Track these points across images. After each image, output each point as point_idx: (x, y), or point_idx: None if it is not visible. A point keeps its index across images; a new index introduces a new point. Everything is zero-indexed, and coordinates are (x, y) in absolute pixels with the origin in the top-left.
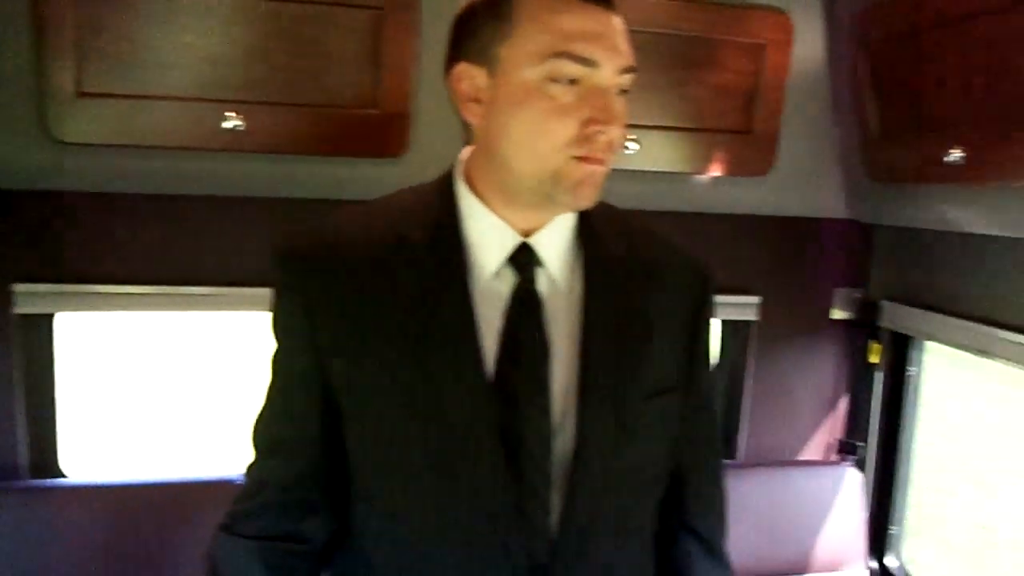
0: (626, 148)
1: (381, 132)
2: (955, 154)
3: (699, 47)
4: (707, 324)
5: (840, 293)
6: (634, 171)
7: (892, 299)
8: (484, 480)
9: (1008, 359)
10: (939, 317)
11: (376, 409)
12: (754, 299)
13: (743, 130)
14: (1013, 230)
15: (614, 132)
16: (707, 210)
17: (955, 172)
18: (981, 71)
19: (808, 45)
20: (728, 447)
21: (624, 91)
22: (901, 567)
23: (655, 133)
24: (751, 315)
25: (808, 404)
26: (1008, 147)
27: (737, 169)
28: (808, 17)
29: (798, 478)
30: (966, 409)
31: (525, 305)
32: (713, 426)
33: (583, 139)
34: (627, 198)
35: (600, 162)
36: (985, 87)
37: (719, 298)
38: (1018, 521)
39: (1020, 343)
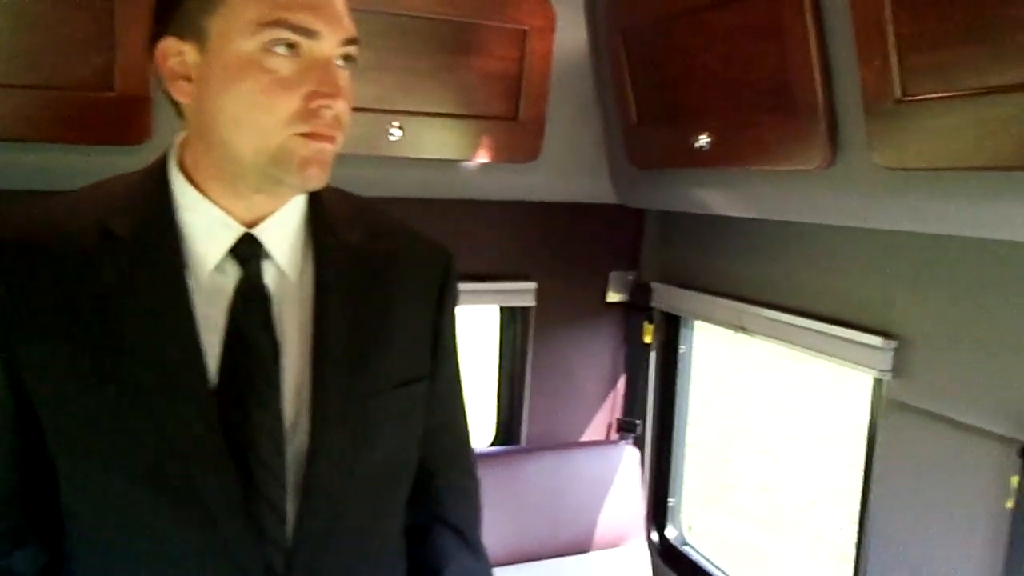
0: (390, 135)
1: (118, 117)
2: (702, 139)
3: (463, 33)
4: (451, 310)
5: (615, 276)
6: (400, 158)
7: (662, 281)
8: (211, 493)
9: (760, 334)
10: (702, 296)
11: (79, 424)
12: (531, 285)
13: (509, 116)
14: (756, 211)
15: (339, 106)
16: (477, 197)
17: (703, 157)
18: (722, 59)
19: (571, 32)
20: (510, 433)
21: (349, 63)
22: (680, 536)
23: (420, 119)
24: (528, 301)
25: (588, 386)
26: (748, 132)
27: (505, 155)
28: (570, 4)
29: (579, 459)
30: (755, 381)
31: (250, 301)
32: (462, 415)
33: (307, 114)
34: (394, 185)
35: (327, 139)
36: (726, 75)
37: (496, 285)
38: (796, 483)
39: (770, 318)
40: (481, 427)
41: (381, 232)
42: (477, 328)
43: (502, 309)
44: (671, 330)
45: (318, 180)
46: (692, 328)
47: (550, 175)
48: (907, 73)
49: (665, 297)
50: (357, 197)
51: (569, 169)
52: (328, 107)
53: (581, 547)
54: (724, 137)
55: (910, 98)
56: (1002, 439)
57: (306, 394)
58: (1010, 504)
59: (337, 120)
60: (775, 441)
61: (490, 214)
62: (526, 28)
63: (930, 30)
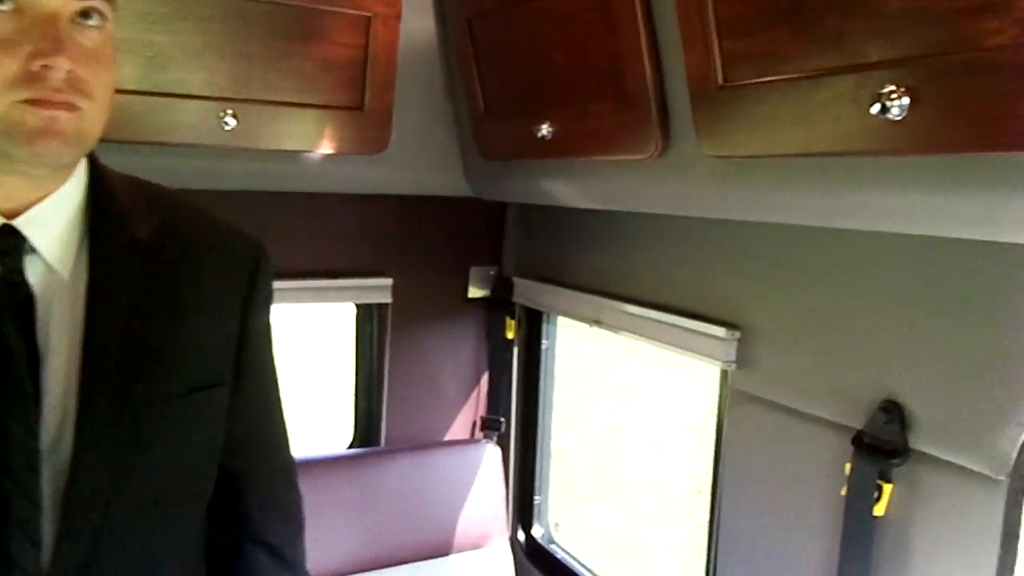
0: (224, 124)
1: None
2: (544, 129)
3: (303, 18)
4: (262, 309)
5: (476, 272)
6: (235, 149)
7: (523, 276)
8: None
9: (615, 327)
10: (560, 290)
11: None
12: (386, 281)
13: (355, 106)
14: (598, 202)
15: (63, 65)
16: (323, 190)
17: (546, 147)
18: (560, 46)
19: (417, 19)
20: (369, 434)
21: (95, 22)
22: (546, 534)
23: (257, 108)
24: (384, 297)
25: (450, 384)
26: (585, 121)
27: (351, 147)
28: None
29: (439, 459)
30: (643, 374)
31: (9, 301)
32: (277, 423)
33: (29, 77)
34: (228, 178)
35: (61, 106)
36: (564, 62)
37: (350, 281)
38: (682, 474)
39: (623, 311)
40: (340, 429)
41: (179, 225)
42: (332, 327)
43: (358, 306)
44: (533, 326)
45: (56, 155)
46: (555, 324)
47: (400, 167)
48: (728, 59)
49: (526, 292)
50: (154, 186)
51: (420, 161)
52: (50, 67)
53: (442, 550)
54: (564, 127)
55: (732, 84)
56: (837, 427)
57: (73, 404)
58: (844, 492)
59: (72, 84)
60: (663, 433)
61: (341, 208)
62: (370, 15)
63: (749, 15)
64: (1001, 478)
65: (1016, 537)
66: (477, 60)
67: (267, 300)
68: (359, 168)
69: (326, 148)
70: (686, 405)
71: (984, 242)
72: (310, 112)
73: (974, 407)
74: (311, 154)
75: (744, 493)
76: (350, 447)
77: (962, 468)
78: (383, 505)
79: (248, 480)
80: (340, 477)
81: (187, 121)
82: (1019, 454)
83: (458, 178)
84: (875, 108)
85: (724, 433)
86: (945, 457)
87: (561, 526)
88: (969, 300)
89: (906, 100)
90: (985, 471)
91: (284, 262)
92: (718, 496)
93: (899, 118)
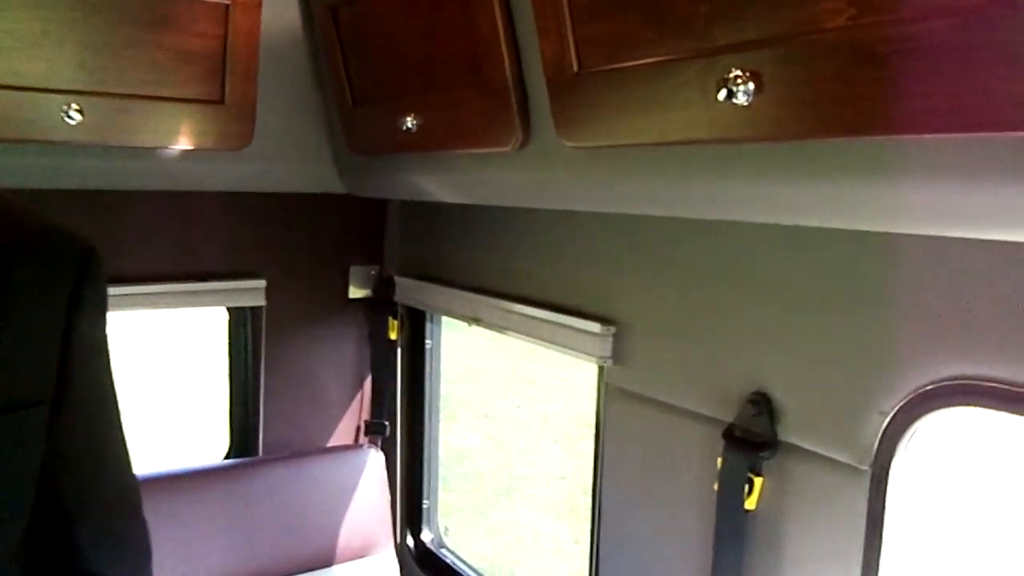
0: (67, 119)
1: None
2: (409, 121)
3: (154, 5)
4: (91, 317)
5: (356, 271)
6: (82, 145)
7: (405, 274)
8: None
9: (494, 325)
10: (440, 289)
11: None
12: (259, 283)
13: (215, 99)
14: (464, 196)
15: None
16: (183, 188)
17: (412, 140)
18: (421, 35)
19: (280, 7)
20: (246, 444)
21: None
22: (436, 539)
23: (105, 101)
24: (258, 300)
25: (332, 388)
26: (448, 112)
27: (212, 142)
28: None
29: (320, 467)
30: (550, 371)
31: None
32: (116, 443)
33: None
34: (74, 176)
35: None
36: (425, 51)
37: (219, 284)
38: (587, 469)
39: (501, 309)
40: (215, 438)
41: None
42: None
43: (230, 310)
44: (417, 326)
45: None
46: (439, 323)
47: (267, 163)
48: (582, 44)
49: (408, 291)
50: None
51: (289, 157)
52: None
53: (324, 560)
54: (427, 119)
55: (587, 71)
56: (710, 420)
57: None
58: (716, 486)
59: None
60: (570, 428)
61: (208, 207)
62: (228, 2)
63: None
64: (864, 467)
65: (881, 525)
66: (343, 50)
67: (98, 308)
68: (222, 165)
69: (185, 144)
70: (591, 399)
71: (846, 231)
72: (165, 106)
73: (838, 397)
74: (169, 150)
75: (624, 489)
76: (226, 457)
77: (828, 459)
78: (261, 517)
79: (78, 507)
80: (215, 489)
81: (25, 116)
82: (880, 443)
83: (331, 174)
84: (722, 94)
85: (602, 429)
86: (812, 448)
87: (468, 524)
88: (833, 290)
89: (751, 85)
90: (849, 461)
91: (145, 265)
92: (599, 492)
93: (745, 104)
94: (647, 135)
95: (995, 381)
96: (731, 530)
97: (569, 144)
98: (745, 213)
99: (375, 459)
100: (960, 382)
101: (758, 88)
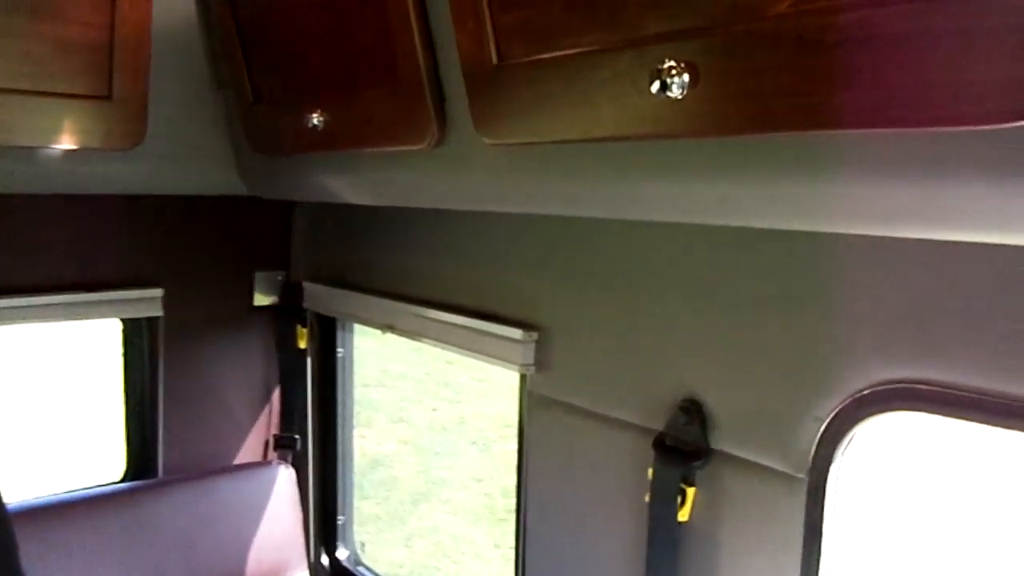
0: None
1: None
2: (315, 118)
3: None
4: None
5: (262, 277)
6: None
7: (314, 280)
8: None
9: (409, 333)
10: (351, 295)
11: None
12: (156, 292)
13: (102, 95)
14: (376, 198)
15: None
16: (70, 191)
17: (320, 138)
18: (327, 27)
19: None
20: (145, 464)
21: None
22: (352, 556)
23: None
24: (154, 310)
25: (238, 402)
26: (358, 109)
27: (100, 141)
28: None
29: (226, 486)
30: (467, 372)
31: None
32: None
33: None
34: None
35: None
36: (333, 44)
37: (112, 294)
38: (505, 471)
39: (417, 315)
40: (110, 460)
41: None
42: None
43: (124, 322)
44: (327, 333)
45: None
46: (351, 331)
47: (162, 164)
48: (502, 35)
49: (317, 298)
50: None
51: (186, 157)
52: None
53: None
54: (336, 115)
55: (507, 63)
56: (639, 429)
57: None
58: (648, 498)
59: None
60: (487, 430)
61: (97, 211)
62: None
63: None
64: (801, 476)
65: (819, 534)
66: (243, 42)
67: None
68: (114, 166)
69: (69, 143)
70: (509, 400)
71: (780, 231)
72: (45, 101)
73: (772, 403)
74: (50, 150)
75: (550, 501)
76: (122, 480)
77: (763, 467)
78: (163, 544)
79: None
80: (111, 516)
81: None
82: (817, 450)
83: (232, 175)
84: (655, 87)
85: (526, 439)
86: (746, 456)
87: (385, 532)
88: (766, 293)
89: (686, 77)
90: (785, 469)
91: (31, 275)
92: (523, 504)
93: (680, 97)
94: (573, 131)
95: (934, 384)
96: (664, 542)
97: (488, 141)
98: (677, 214)
99: (285, 475)
100: (898, 386)
101: (694, 80)
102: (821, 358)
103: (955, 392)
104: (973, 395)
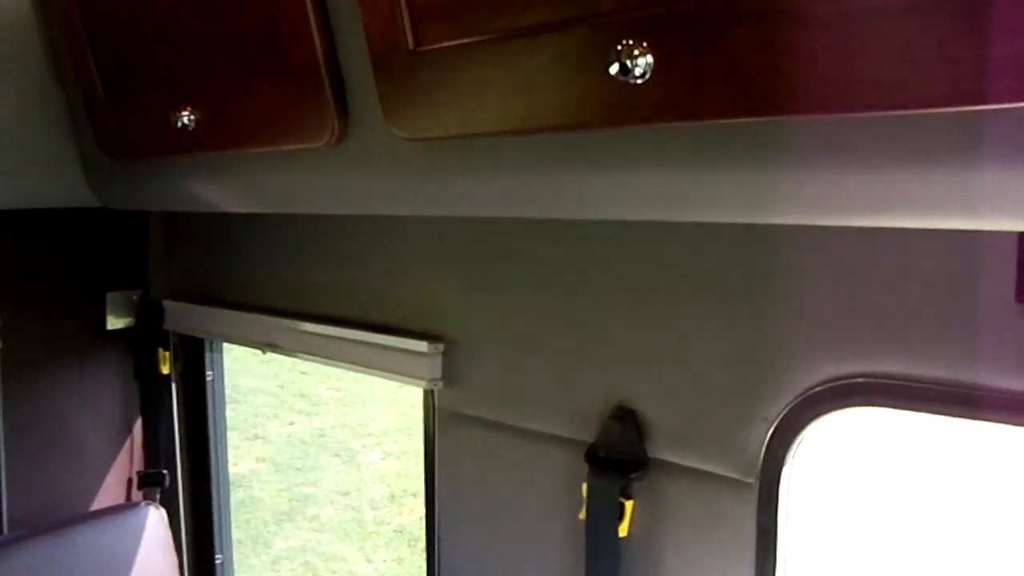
0: None
1: None
2: (186, 116)
3: None
4: None
5: (115, 298)
6: None
7: (176, 298)
8: None
9: (295, 351)
10: (222, 312)
11: None
12: None
13: None
14: (263, 205)
15: None
16: None
17: (190, 139)
18: (201, 11)
19: None
20: None
21: None
22: None
23: None
24: None
25: (94, 439)
26: (241, 104)
27: None
28: None
29: (86, 537)
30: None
31: None
32: None
33: None
34: None
35: None
36: (208, 31)
37: None
38: (372, 481)
39: (305, 332)
40: None
41: None
42: None
43: None
44: (193, 356)
45: None
46: (221, 351)
47: None
48: (419, 16)
49: (180, 317)
50: None
51: (24, 165)
52: None
53: None
54: (212, 113)
55: (426, 49)
56: (568, 442)
57: None
58: (583, 515)
59: None
60: (349, 441)
61: None
62: None
63: None
64: (751, 480)
65: (773, 539)
66: (89, 32)
67: None
68: None
69: None
70: (368, 407)
71: (718, 226)
72: None
73: (714, 406)
74: None
75: (469, 525)
76: None
77: (709, 473)
78: None
79: None
80: None
81: None
82: (766, 453)
83: (78, 185)
84: (614, 68)
85: (437, 459)
86: (689, 464)
87: (250, 558)
88: (704, 289)
89: (650, 58)
90: (733, 474)
91: None
92: (435, 531)
93: (641, 80)
94: (506, 122)
95: (887, 378)
96: (604, 561)
97: (403, 136)
98: (623, 210)
99: (155, 517)
100: (851, 381)
101: (658, 62)
102: (767, 356)
103: (908, 384)
104: (926, 386)
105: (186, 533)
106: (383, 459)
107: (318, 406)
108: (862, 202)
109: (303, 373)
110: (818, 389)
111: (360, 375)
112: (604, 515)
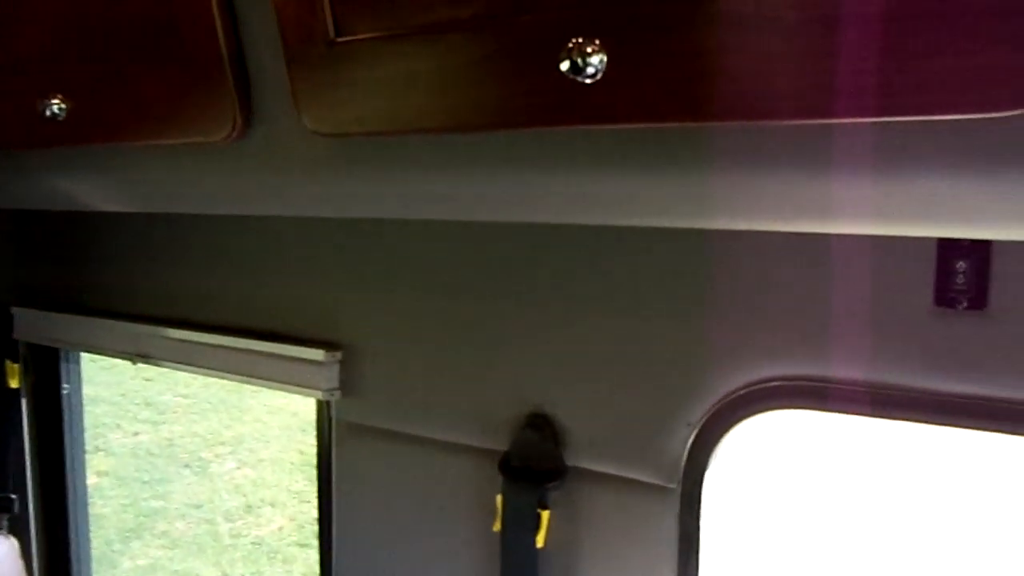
0: None
1: None
2: (55, 104)
3: None
4: None
5: None
6: None
7: (26, 304)
8: None
9: (169, 362)
10: (84, 320)
11: None
12: None
13: None
14: (147, 205)
15: None
16: None
17: (59, 130)
18: None
19: None
20: None
21: None
22: None
23: None
24: None
25: None
26: (122, 92)
27: None
28: None
29: None
30: (174, 390)
31: None
32: None
33: None
34: None
35: None
36: (83, 10)
37: None
38: (227, 492)
39: (181, 341)
40: None
41: None
42: None
43: None
44: (47, 368)
45: None
46: (79, 362)
47: None
48: (342, 6)
49: (32, 326)
50: None
51: None
52: None
53: None
54: (87, 101)
55: (347, 39)
56: (479, 452)
57: None
58: (497, 527)
59: None
60: (200, 450)
61: None
62: None
63: None
64: (672, 486)
65: (695, 545)
66: None
67: None
68: None
69: None
70: (221, 414)
71: (633, 230)
72: None
73: (634, 411)
74: None
75: (371, 543)
76: None
77: (629, 480)
78: None
79: None
80: None
81: None
82: (688, 457)
83: None
84: (564, 66)
85: (334, 475)
86: (608, 471)
87: None
88: (621, 292)
89: (604, 57)
90: (654, 480)
91: None
92: (333, 552)
93: (592, 80)
94: (436, 119)
95: (810, 380)
96: (521, 573)
97: (314, 130)
98: (555, 213)
99: (4, 547)
100: (770, 384)
101: (612, 61)
102: (688, 359)
103: (832, 386)
104: (850, 388)
105: (39, 564)
106: (238, 468)
107: (165, 414)
108: (779, 207)
109: (147, 380)
110: (742, 392)
111: (211, 380)
112: (520, 526)
